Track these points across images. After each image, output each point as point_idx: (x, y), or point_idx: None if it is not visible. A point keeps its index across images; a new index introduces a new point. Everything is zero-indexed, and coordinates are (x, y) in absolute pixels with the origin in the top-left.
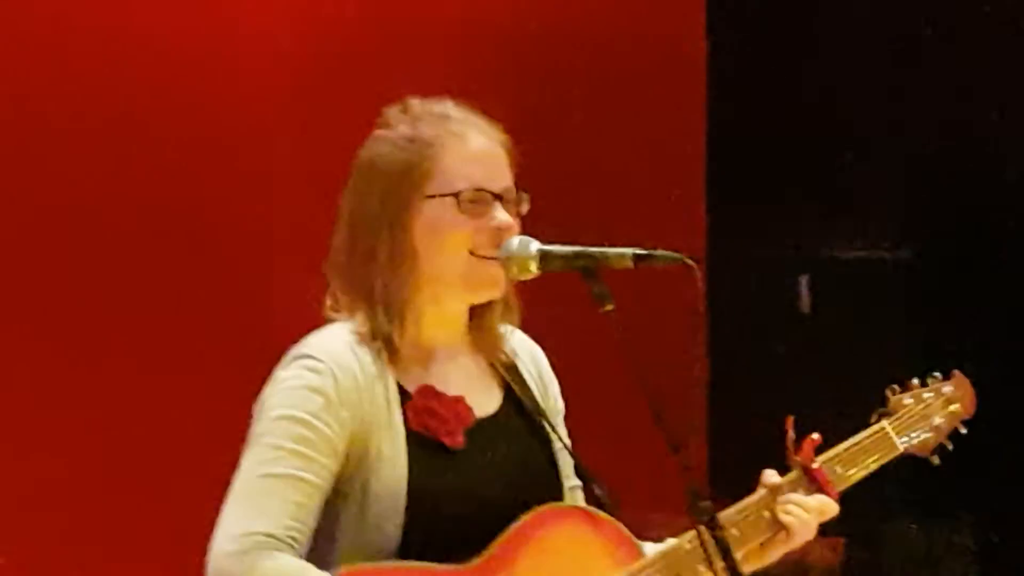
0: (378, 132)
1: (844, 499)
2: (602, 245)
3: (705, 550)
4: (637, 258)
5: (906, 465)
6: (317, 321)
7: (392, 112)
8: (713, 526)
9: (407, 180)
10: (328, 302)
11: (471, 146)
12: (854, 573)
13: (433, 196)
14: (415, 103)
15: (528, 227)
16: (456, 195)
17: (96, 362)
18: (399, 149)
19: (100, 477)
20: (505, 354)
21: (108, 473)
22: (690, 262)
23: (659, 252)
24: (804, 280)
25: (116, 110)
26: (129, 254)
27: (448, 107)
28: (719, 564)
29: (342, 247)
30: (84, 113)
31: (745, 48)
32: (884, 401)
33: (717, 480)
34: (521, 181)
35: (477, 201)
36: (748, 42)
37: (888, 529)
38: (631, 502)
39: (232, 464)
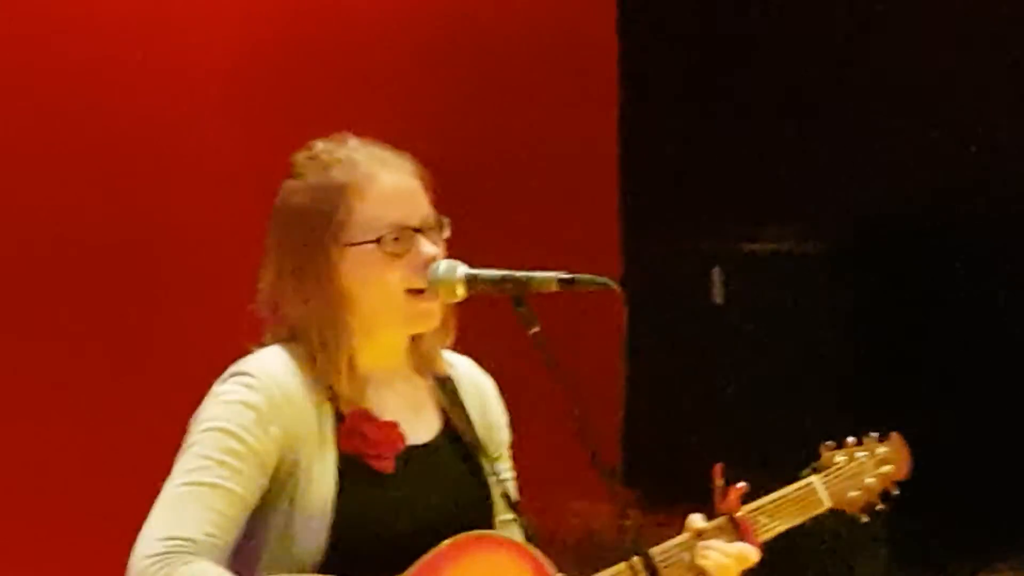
0: (290, 182)
1: (757, 490)
2: (521, 244)
3: None
4: (562, 282)
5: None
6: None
7: (299, 159)
8: (650, 566)
9: (325, 231)
10: (266, 335)
11: (384, 186)
12: (765, 559)
13: (354, 244)
14: (320, 146)
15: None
16: (377, 241)
17: (21, 371)
18: (312, 200)
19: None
20: (447, 380)
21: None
22: (614, 286)
23: (583, 276)
24: (717, 272)
25: (46, 119)
26: (60, 266)
27: (354, 147)
28: None
29: (273, 290)
30: (13, 122)
31: (658, 44)
32: (817, 456)
33: (631, 467)
34: (438, 180)
35: (400, 240)
36: (660, 37)
37: None
38: (549, 492)
39: (160, 475)
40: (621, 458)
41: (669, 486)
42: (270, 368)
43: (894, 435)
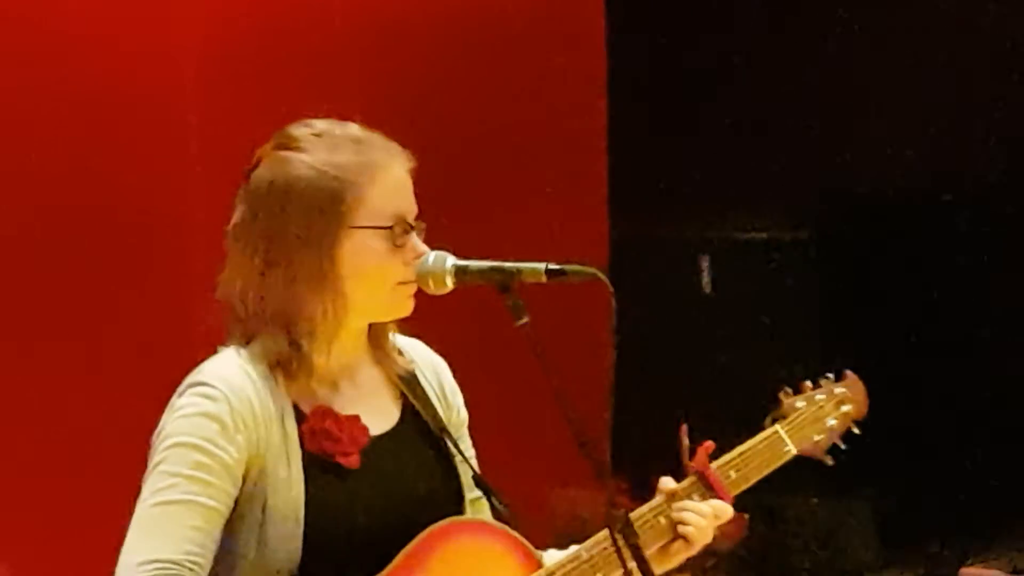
0: (291, 155)
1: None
2: (509, 235)
3: (620, 554)
4: (550, 272)
5: None
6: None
7: (301, 133)
8: (628, 534)
9: (334, 210)
10: (232, 330)
11: (395, 177)
12: (757, 548)
13: (361, 227)
14: (325, 125)
15: (433, 212)
16: (389, 228)
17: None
18: (322, 176)
19: None
20: (404, 366)
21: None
22: (602, 276)
23: (571, 267)
24: (705, 260)
25: (21, 107)
26: (36, 259)
27: (361, 131)
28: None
29: (253, 268)
30: None
31: (645, 36)
32: (777, 404)
33: (619, 458)
34: (427, 168)
35: (403, 233)
36: (647, 29)
37: (789, 504)
38: (536, 481)
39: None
40: (610, 447)
41: (657, 474)
42: (227, 375)
43: (849, 373)
